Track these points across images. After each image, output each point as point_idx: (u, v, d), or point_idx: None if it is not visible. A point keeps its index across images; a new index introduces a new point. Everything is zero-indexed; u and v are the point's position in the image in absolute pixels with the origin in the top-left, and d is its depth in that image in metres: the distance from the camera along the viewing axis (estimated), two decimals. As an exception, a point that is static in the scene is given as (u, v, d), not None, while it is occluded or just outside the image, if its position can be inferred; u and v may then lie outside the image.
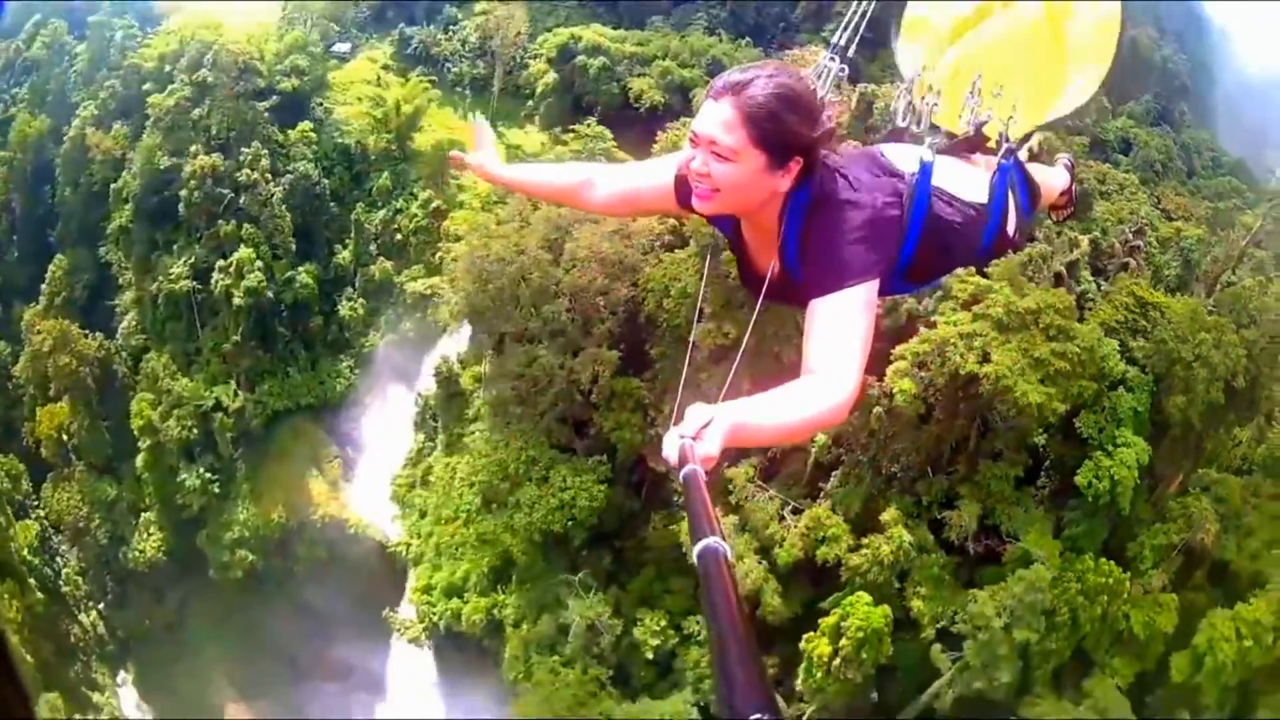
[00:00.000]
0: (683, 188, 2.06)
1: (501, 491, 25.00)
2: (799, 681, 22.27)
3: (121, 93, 41.17)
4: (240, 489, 35.19)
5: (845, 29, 2.52)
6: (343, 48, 40.80)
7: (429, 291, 34.75)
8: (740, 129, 1.82)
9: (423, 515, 33.83)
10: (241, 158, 34.75)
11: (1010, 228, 2.41)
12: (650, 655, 24.89)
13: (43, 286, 42.28)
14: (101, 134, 40.33)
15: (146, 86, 39.99)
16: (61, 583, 40.14)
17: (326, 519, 34.31)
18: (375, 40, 42.77)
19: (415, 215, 36.05)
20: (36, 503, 40.05)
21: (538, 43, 39.28)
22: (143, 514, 38.16)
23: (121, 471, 39.48)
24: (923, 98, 2.41)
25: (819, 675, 20.46)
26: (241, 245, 34.26)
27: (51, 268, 41.56)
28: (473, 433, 31.33)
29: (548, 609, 25.31)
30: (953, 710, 21.62)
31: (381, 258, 36.22)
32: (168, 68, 39.95)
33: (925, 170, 2.13)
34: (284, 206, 34.85)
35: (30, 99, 45.78)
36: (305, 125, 36.25)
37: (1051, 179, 2.96)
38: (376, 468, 36.34)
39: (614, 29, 39.90)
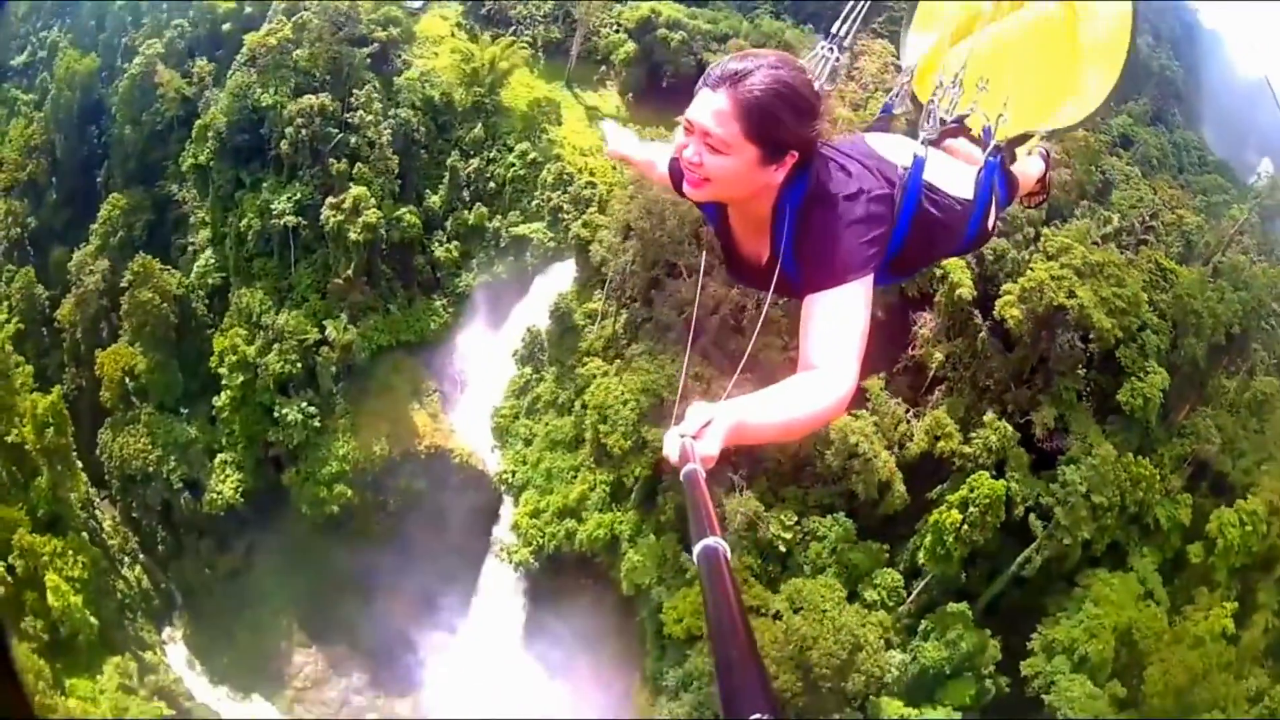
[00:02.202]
0: (676, 173, 2.41)
1: (659, 409, 33.47)
2: (921, 556, 32.02)
3: (191, 32, 46.80)
4: (339, 424, 41.72)
5: (845, 19, 2.82)
6: (415, 4, 48.16)
7: (531, 234, 42.85)
8: (735, 122, 2.06)
9: (527, 443, 41.64)
10: (353, 99, 41.70)
11: (990, 221, 2.88)
12: (783, 549, 34.03)
13: (93, 227, 47.04)
14: (171, 71, 45.81)
15: (226, 26, 45.98)
16: (105, 535, 44.84)
17: (431, 449, 41.48)
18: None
19: (512, 165, 43.98)
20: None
21: (615, 14, 48.04)
22: (218, 455, 43.65)
23: (190, 413, 44.82)
24: (937, 89, 2.97)
25: (950, 540, 30.24)
26: (351, 184, 41.14)
27: (106, 207, 46.49)
28: (587, 363, 39.54)
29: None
30: (1036, 576, 31.92)
31: (478, 203, 43.86)
32: (248, 8, 46.15)
33: (918, 164, 2.50)
34: (390, 149, 42.03)
35: (73, 35, 50.14)
36: (411, 74, 43.61)
37: (1029, 168, 3.45)
38: (472, 402, 43.79)
39: (685, 5, 49.19)
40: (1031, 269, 31.26)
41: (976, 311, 32.12)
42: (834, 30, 2.76)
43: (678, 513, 35.81)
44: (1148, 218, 38.69)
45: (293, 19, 42.90)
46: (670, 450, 1.76)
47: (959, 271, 31.84)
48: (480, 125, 44.03)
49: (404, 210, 41.92)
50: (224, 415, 42.73)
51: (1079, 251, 31.40)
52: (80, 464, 42.56)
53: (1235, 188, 45.87)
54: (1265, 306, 35.77)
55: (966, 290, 31.66)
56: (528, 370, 41.46)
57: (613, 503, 38.48)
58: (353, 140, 41.32)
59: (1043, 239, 32.12)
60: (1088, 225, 33.74)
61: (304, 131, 41.06)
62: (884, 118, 3.20)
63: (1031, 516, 30.80)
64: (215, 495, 42.45)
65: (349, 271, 40.40)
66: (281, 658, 44.79)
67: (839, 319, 2.11)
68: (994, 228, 2.99)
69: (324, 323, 40.85)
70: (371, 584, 43.84)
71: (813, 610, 31.01)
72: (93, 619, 40.35)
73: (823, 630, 30.55)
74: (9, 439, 41.59)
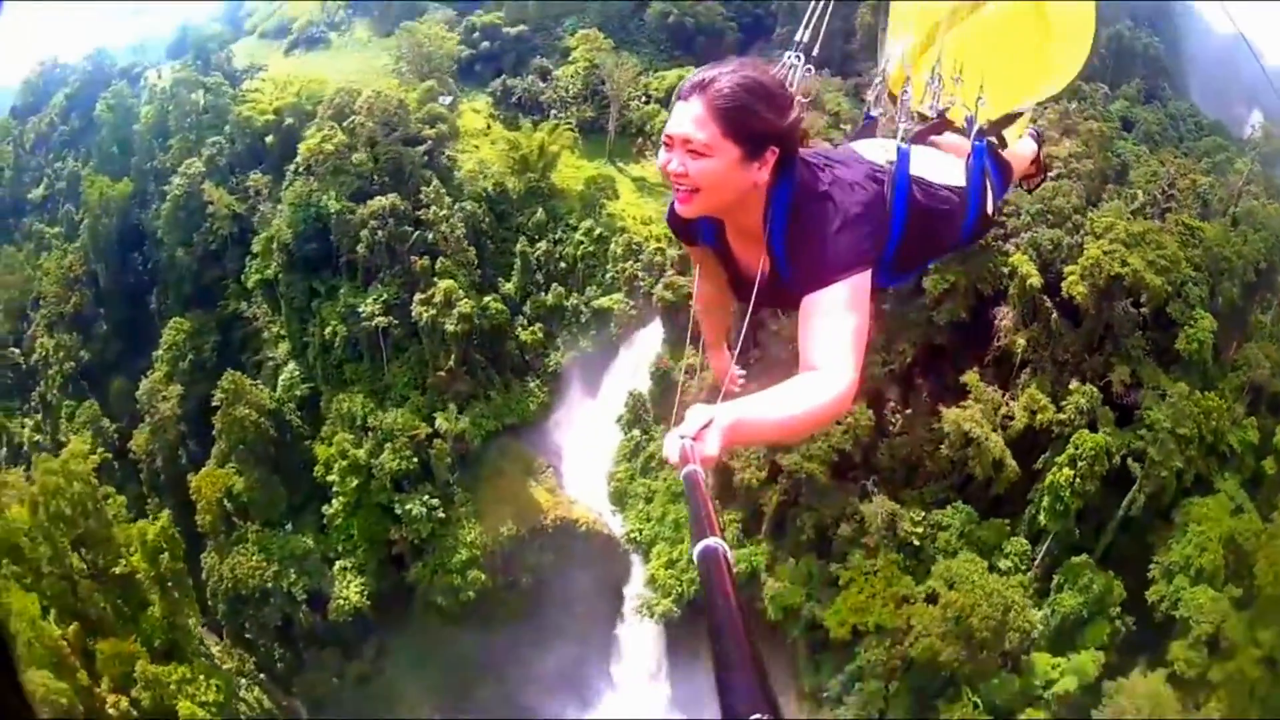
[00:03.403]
0: (672, 215, 2.69)
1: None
2: (1042, 518, 40.55)
3: (229, 148, 53.16)
4: (460, 512, 47.61)
5: (807, 26, 3.12)
6: (445, 99, 56.05)
7: (612, 305, 50.43)
8: (711, 123, 2.38)
9: (648, 500, 48.53)
10: (422, 197, 48.79)
11: (990, 207, 3.19)
12: (916, 542, 42.00)
13: (156, 354, 52.24)
14: (219, 189, 51.86)
15: (269, 139, 52.53)
16: (218, 660, 49.07)
17: (557, 521, 47.92)
18: (473, 92, 58.39)
19: (580, 242, 51.91)
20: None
21: (643, 86, 57.06)
22: (336, 563, 48.60)
23: (296, 526, 49.68)
24: (903, 90, 3.31)
25: (1066, 496, 38.87)
26: (435, 278, 47.91)
27: (169, 333, 52.53)
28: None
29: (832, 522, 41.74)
30: (1140, 517, 40.85)
31: (555, 284, 51.21)
32: (288, 120, 52.87)
33: (903, 156, 2.81)
34: (465, 241, 49.19)
35: (97, 163, 55.61)
36: (470, 167, 51.26)
37: (1021, 150, 3.84)
38: (583, 472, 50.39)
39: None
40: (1086, 249, 40.84)
41: (1045, 297, 41.42)
42: (798, 38, 3.09)
43: (816, 531, 43.38)
44: (1166, 187, 48.98)
45: (343, 124, 49.51)
46: (670, 452, 1.99)
47: (1026, 265, 41.31)
48: (540, 209, 51.59)
49: (488, 299, 48.80)
50: (337, 522, 48.22)
51: (1121, 226, 41.72)
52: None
53: (1233, 144, 57.41)
54: None
55: (1036, 279, 41.29)
56: (635, 433, 48.65)
57: (745, 538, 45.48)
58: (430, 236, 48.05)
59: (1089, 223, 41.92)
60: (1119, 205, 43.90)
61: (379, 233, 47.89)
62: (868, 125, 3.65)
63: (1129, 461, 39.87)
64: (341, 602, 47.82)
65: (450, 363, 46.98)
66: (424, 753, 49.08)
67: (836, 318, 2.38)
68: (995, 214, 3.35)
69: (433, 416, 46.81)
70: (507, 666, 49.43)
71: (964, 582, 38.94)
72: (230, 760, 44.39)
73: (977, 598, 38.49)
74: (114, 571, 45.28)
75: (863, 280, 2.42)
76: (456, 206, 51.15)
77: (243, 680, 50.37)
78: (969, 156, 3.21)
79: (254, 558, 48.84)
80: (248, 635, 50.62)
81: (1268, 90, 45.95)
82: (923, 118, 3.31)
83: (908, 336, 43.22)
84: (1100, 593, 41.18)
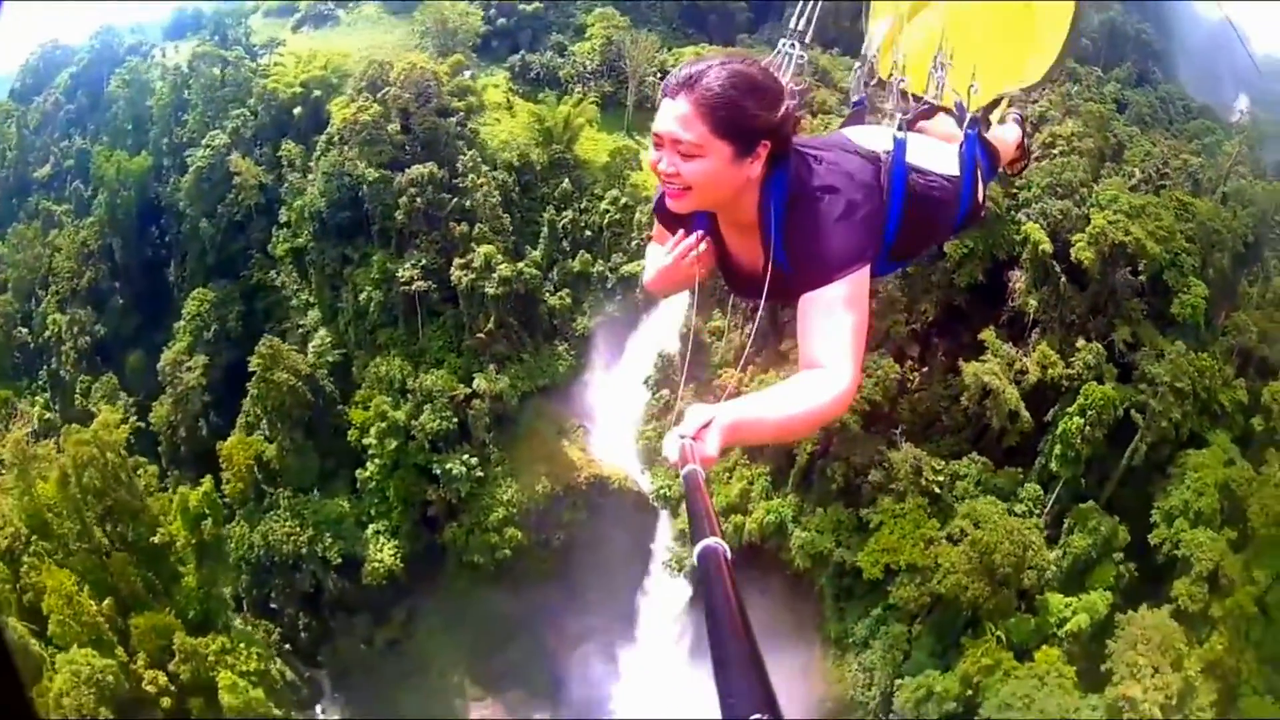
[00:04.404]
0: (659, 203, 2.91)
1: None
2: (1053, 465, 47.97)
3: (254, 120, 58.23)
4: (496, 471, 53.16)
5: (801, 15, 3.48)
6: (466, 74, 62.01)
7: (639, 271, 56.88)
8: (700, 122, 2.57)
9: (677, 458, 54.92)
10: (459, 165, 54.60)
11: (980, 194, 3.49)
12: (936, 490, 49.12)
13: (179, 325, 56.75)
14: (246, 160, 56.88)
15: (297, 111, 57.86)
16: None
17: (590, 479, 53.78)
18: (490, 68, 64.38)
19: (606, 211, 58.24)
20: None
21: (660, 62, 63.82)
22: (369, 527, 53.59)
23: (325, 492, 54.51)
24: (890, 74, 3.61)
25: (1076, 443, 46.33)
26: (474, 244, 53.68)
27: (192, 303, 57.26)
28: (721, 374, 53.61)
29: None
30: (1144, 461, 48.56)
31: (582, 251, 57.39)
32: (315, 92, 58.29)
33: (899, 146, 3.03)
34: (500, 209, 55.11)
35: (111, 139, 60.01)
36: (504, 136, 57.18)
37: (1005, 135, 4.20)
38: (609, 432, 56.38)
39: (726, 46, 65.86)
40: (1092, 219, 48.70)
41: (1054, 262, 49.09)
42: (792, 25, 3.42)
43: (845, 479, 50.03)
44: (1160, 166, 57.16)
45: (377, 95, 55.05)
46: (670, 451, 2.15)
47: (1037, 233, 48.95)
48: (566, 179, 57.73)
49: (523, 264, 54.57)
50: (371, 485, 52.93)
51: (1124, 199, 49.53)
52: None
53: (1220, 126, 66.47)
54: (1270, 215, 54.87)
55: (1046, 245, 48.87)
56: (664, 392, 54.72)
57: (774, 490, 51.96)
58: (466, 204, 53.83)
59: (1094, 196, 49.87)
60: (1119, 180, 51.97)
61: (418, 200, 53.38)
62: (858, 111, 3.94)
63: (1132, 412, 47.54)
64: (376, 565, 52.90)
65: (489, 325, 52.48)
66: (457, 715, 54.04)
67: (836, 316, 2.59)
68: (984, 201, 3.64)
69: (470, 377, 52.37)
70: (539, 624, 54.90)
71: (987, 522, 46.01)
72: (276, 710, 48.89)
73: (1000, 535, 45.54)
74: (151, 541, 49.30)
75: (862, 276, 2.67)
76: (489, 175, 57.06)
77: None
78: (961, 144, 3.57)
79: (287, 523, 53.47)
80: (272, 606, 55.14)
81: (1253, 74, 55.00)
82: (914, 98, 3.77)
83: (930, 298, 50.57)
84: (1107, 535, 48.69)
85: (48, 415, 58.85)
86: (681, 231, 3.03)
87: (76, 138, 62.89)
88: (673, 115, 2.60)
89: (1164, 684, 42.03)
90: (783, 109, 2.64)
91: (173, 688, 47.15)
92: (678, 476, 2.10)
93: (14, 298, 61.91)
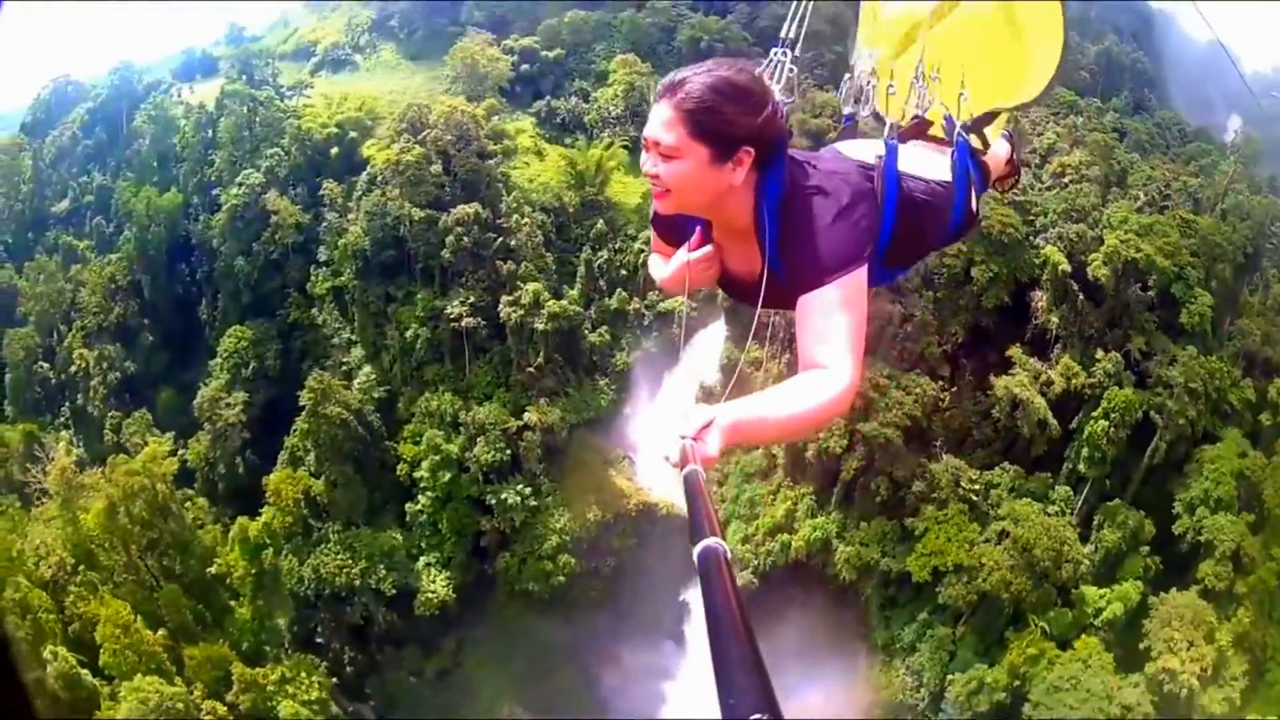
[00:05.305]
0: (655, 212, 3.21)
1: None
2: (1081, 466, 56.05)
3: (287, 159, 64.11)
4: (548, 501, 58.75)
5: (791, 23, 3.72)
6: (494, 119, 69.18)
7: (677, 308, 63.88)
8: (678, 126, 2.85)
9: (720, 484, 61.24)
10: (502, 206, 61.27)
11: (974, 204, 3.82)
12: (974, 498, 56.69)
13: (214, 363, 61.44)
14: (283, 199, 62.54)
15: (334, 151, 63.98)
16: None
17: (639, 506, 59.71)
18: (515, 112, 71.63)
19: (640, 250, 65.32)
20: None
21: (677, 102, 72.03)
22: (420, 559, 58.40)
23: (373, 525, 59.27)
24: (869, 83, 4.06)
25: (1103, 444, 54.48)
26: (519, 282, 60.09)
27: (229, 340, 62.41)
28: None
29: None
30: (1164, 460, 56.93)
31: (618, 289, 64.20)
32: (351, 133, 64.60)
33: (891, 151, 3.31)
34: (543, 248, 61.76)
35: (136, 173, 64.88)
36: (539, 179, 64.15)
37: (996, 151, 4.54)
38: (656, 461, 62.57)
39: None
40: (1105, 239, 57.70)
41: (1072, 281, 57.84)
42: (783, 34, 3.54)
43: (888, 492, 57.10)
44: (1162, 188, 66.82)
45: (418, 136, 61.56)
46: (671, 451, 2.30)
47: (1056, 254, 57.63)
48: (601, 220, 64.70)
49: (565, 301, 61.05)
50: (423, 517, 57.92)
51: (1134, 220, 58.76)
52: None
53: (1215, 147, 76.39)
54: (1266, 227, 64.68)
55: (1065, 265, 57.48)
56: (708, 424, 61.49)
57: (818, 509, 58.72)
58: (511, 243, 60.32)
59: (1105, 219, 59.07)
60: (1127, 203, 61.38)
61: (464, 239, 59.62)
62: (848, 126, 4.27)
63: (1151, 414, 55.99)
64: (430, 596, 57.55)
65: (539, 360, 58.57)
66: (508, 743, 58.69)
67: (835, 317, 2.79)
68: (977, 212, 3.93)
69: (521, 410, 58.18)
70: (587, 650, 59.92)
71: (1026, 520, 53.49)
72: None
73: (1038, 532, 53.00)
74: (206, 573, 53.26)
75: (858, 278, 2.87)
76: (529, 216, 63.65)
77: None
78: (952, 152, 3.88)
79: (339, 556, 57.72)
80: (318, 640, 58.94)
81: (1243, 94, 65.55)
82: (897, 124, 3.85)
83: (958, 320, 58.68)
84: (1134, 529, 56.61)
85: (76, 452, 61.93)
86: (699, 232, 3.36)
87: (95, 173, 67.14)
88: (657, 119, 2.93)
89: (1199, 655, 49.69)
90: (764, 115, 2.89)
91: (231, 718, 50.78)
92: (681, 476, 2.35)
93: (35, 331, 65.71)
